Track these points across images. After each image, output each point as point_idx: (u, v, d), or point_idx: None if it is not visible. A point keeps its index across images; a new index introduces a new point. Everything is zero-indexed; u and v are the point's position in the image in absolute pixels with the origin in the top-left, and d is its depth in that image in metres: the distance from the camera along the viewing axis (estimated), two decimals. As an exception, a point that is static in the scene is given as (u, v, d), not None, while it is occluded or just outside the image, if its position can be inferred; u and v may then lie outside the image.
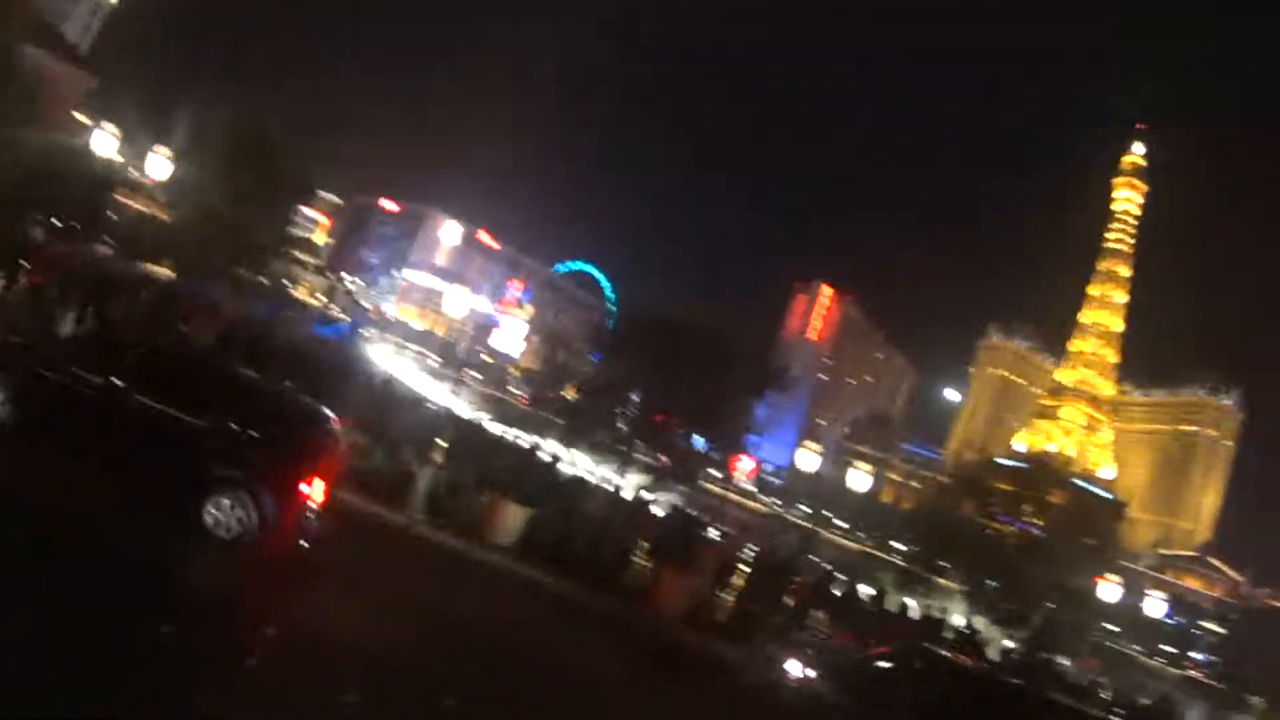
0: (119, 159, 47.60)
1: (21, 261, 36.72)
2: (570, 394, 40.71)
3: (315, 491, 19.80)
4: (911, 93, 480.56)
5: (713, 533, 41.09)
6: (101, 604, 14.00)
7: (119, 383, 19.52)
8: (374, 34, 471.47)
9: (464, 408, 48.46)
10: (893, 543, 78.20)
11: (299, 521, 19.78)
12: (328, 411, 22.24)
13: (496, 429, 44.44)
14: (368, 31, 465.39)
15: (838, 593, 40.03)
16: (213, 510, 18.91)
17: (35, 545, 15.20)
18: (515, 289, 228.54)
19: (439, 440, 36.70)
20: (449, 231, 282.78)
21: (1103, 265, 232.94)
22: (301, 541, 20.04)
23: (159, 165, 39.44)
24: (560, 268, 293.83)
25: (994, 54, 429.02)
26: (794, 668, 23.83)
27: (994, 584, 40.75)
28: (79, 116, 54.78)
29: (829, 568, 42.33)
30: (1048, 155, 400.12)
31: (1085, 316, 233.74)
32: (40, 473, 18.77)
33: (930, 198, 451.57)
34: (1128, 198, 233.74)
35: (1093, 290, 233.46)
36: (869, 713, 22.18)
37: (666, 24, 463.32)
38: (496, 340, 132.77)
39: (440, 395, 47.35)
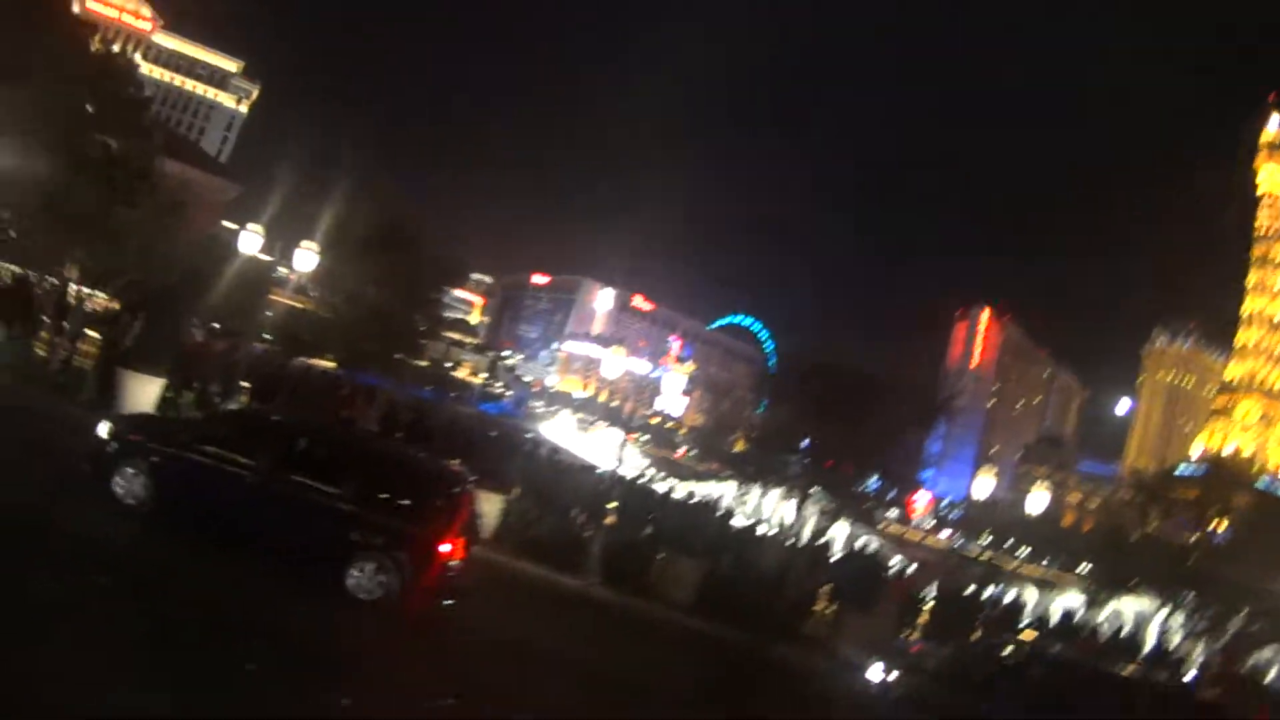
0: (266, 258, 48.30)
1: (184, 363, 37.57)
2: (740, 445, 40.32)
3: (454, 551, 20.38)
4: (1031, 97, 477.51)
5: (893, 569, 40.46)
6: (275, 678, 14.21)
7: (263, 461, 20.38)
8: (505, 112, 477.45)
9: (632, 469, 48.32)
10: (1076, 564, 76.83)
11: (440, 580, 20.28)
12: (462, 472, 23.04)
13: (665, 486, 44.23)
14: (500, 110, 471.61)
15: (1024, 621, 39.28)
16: (355, 574, 19.52)
17: (201, 621, 15.70)
18: (675, 346, 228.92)
19: (609, 503, 36.67)
20: (603, 299, 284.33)
21: (1257, 251, 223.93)
22: (445, 600, 20.60)
23: (305, 259, 39.91)
24: (717, 323, 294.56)
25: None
26: None
27: (1185, 595, 39.62)
28: (226, 224, 55.76)
29: (1013, 597, 41.46)
30: (1174, 140, 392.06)
31: (1247, 307, 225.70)
32: (192, 551, 19.55)
33: (1068, 209, 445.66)
34: (1272, 175, 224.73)
35: (1251, 279, 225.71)
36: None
37: (792, 69, 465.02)
38: (660, 401, 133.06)
39: (608, 459, 47.32)
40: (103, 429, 22.18)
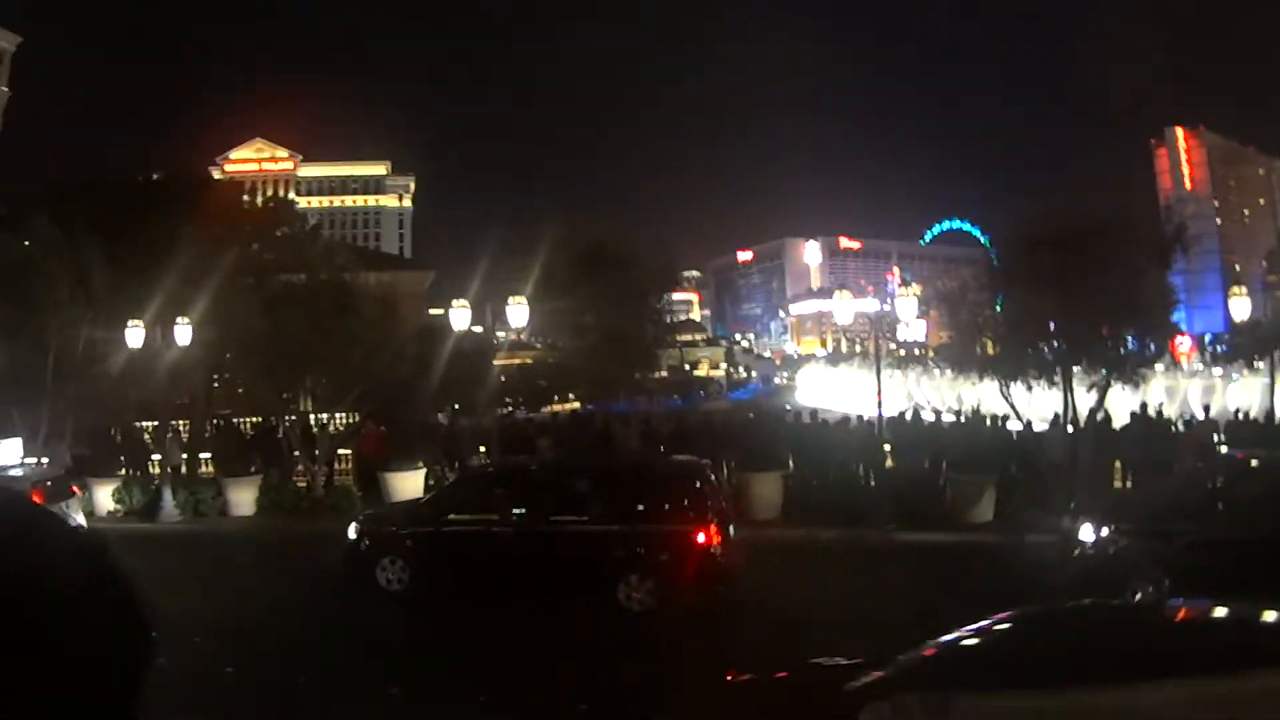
0: (478, 329, 49.17)
1: (441, 447, 38.58)
2: (990, 348, 39.77)
3: (710, 539, 21.03)
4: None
5: (1181, 423, 39.41)
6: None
7: (505, 510, 22.09)
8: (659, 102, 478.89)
9: (896, 407, 47.93)
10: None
11: (706, 572, 20.95)
12: (696, 463, 24.31)
13: (930, 415, 43.88)
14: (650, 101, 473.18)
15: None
16: (624, 590, 20.69)
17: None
18: (895, 273, 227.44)
19: (883, 446, 36.53)
20: (811, 253, 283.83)
21: None
22: (719, 588, 21.34)
23: (518, 314, 40.37)
24: (928, 236, 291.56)
25: None
26: None
27: None
28: (432, 311, 56.80)
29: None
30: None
31: None
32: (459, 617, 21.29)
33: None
34: None
35: None
36: None
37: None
38: (901, 332, 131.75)
39: (869, 404, 47.08)
40: (352, 530, 23.10)
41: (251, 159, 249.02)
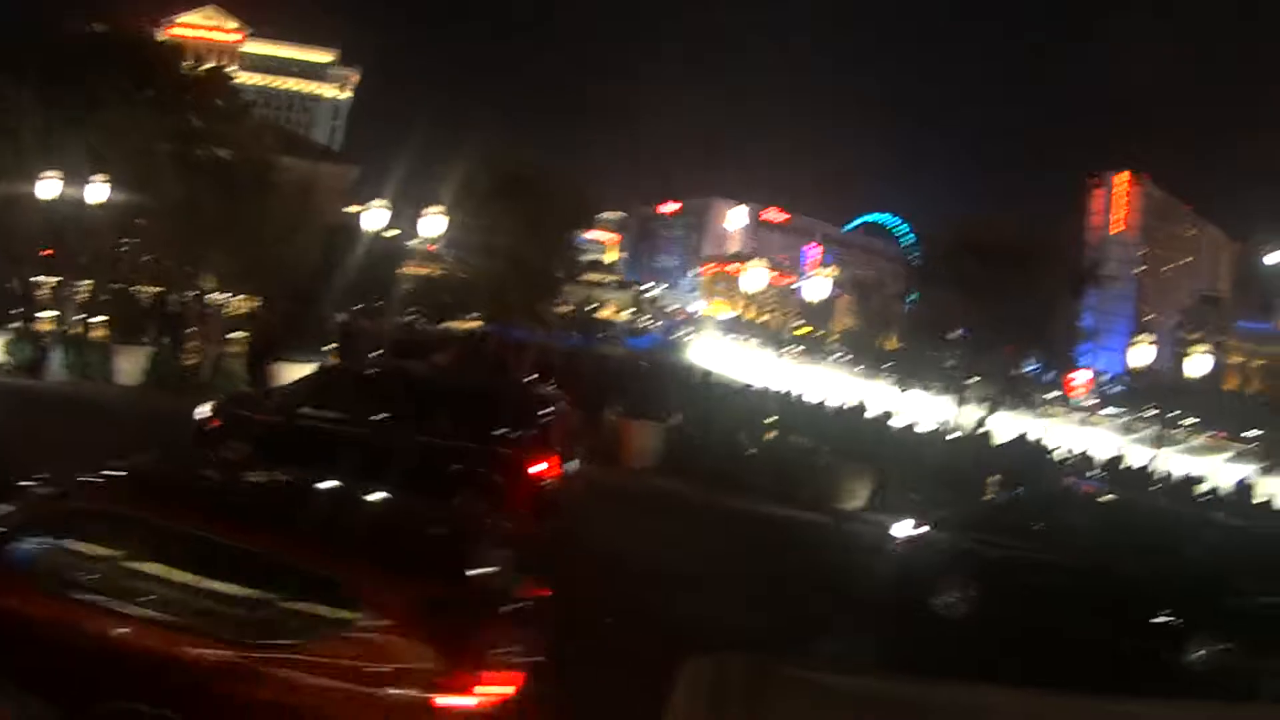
0: (394, 232, 48.92)
1: (338, 344, 38.42)
2: (892, 344, 40.19)
3: (547, 470, 21.44)
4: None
5: (1057, 451, 40.05)
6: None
7: (358, 414, 22.13)
8: (615, 45, 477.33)
9: (787, 382, 48.28)
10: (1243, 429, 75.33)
11: (535, 499, 21.18)
12: (550, 395, 24.96)
13: (819, 397, 44.23)
14: (608, 43, 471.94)
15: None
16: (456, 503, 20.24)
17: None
18: (814, 253, 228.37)
19: (767, 419, 36.88)
20: (735, 216, 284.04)
21: None
22: (547, 519, 21.12)
23: (432, 225, 40.26)
24: (853, 224, 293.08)
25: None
26: None
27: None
28: (352, 208, 56.56)
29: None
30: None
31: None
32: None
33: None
34: None
35: None
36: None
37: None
38: (808, 311, 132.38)
39: (763, 377, 47.26)
40: (205, 409, 23.14)
41: (200, 24, 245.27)
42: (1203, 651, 18.08)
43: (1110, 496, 25.24)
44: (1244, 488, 38.13)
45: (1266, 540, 23.20)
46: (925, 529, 22.46)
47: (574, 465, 23.36)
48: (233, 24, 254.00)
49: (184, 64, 48.03)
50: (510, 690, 9.66)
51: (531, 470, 21.22)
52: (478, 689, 9.38)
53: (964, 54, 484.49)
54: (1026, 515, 22.83)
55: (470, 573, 10.68)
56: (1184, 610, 18.88)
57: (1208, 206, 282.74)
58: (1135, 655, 18.10)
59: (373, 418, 21.93)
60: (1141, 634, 18.59)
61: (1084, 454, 39.76)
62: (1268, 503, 36.51)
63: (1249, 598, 19.04)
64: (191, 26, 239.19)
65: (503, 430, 21.83)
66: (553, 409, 23.30)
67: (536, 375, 36.66)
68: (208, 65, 53.81)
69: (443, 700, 9.26)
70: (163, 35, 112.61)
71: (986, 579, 20.57)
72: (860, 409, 39.69)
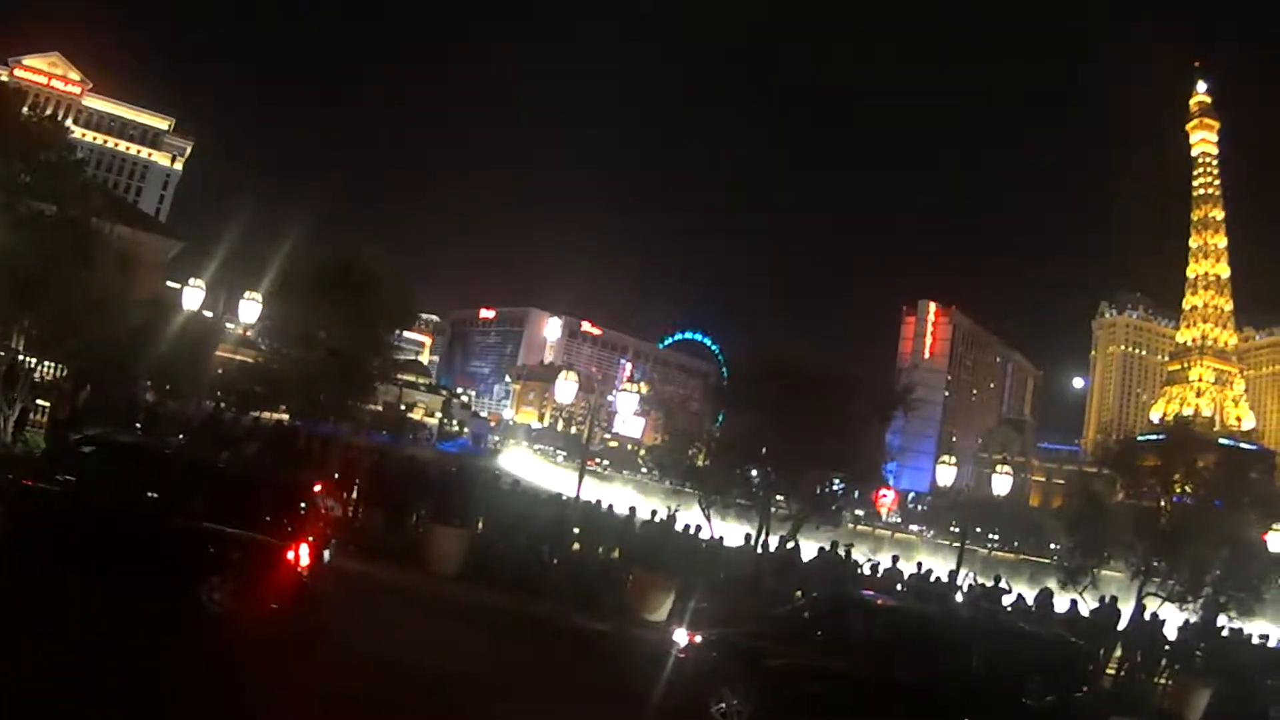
0: (209, 314, 48.12)
1: (137, 425, 37.53)
2: (700, 459, 40.19)
3: (302, 556, 21.20)
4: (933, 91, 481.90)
5: (864, 566, 40.45)
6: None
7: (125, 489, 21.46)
8: (437, 155, 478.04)
9: (594, 494, 48.23)
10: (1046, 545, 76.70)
11: (288, 588, 21.10)
12: (307, 484, 24.24)
13: (627, 509, 44.25)
14: (430, 151, 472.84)
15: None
16: (205, 586, 20.55)
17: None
18: (626, 368, 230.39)
19: (573, 530, 36.87)
20: (551, 328, 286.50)
21: (1197, 214, 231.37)
22: (301, 609, 21.38)
23: (249, 310, 39.87)
24: (666, 341, 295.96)
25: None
26: None
27: (1159, 563, 39.42)
28: (170, 283, 55.65)
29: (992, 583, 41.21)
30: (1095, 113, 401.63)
31: (1192, 270, 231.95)
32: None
33: (998, 192, 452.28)
34: (1204, 139, 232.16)
35: (1193, 242, 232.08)
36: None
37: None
38: (617, 423, 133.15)
39: (569, 486, 47.18)
40: None
41: (44, 72, 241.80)
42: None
43: (890, 604, 25.87)
44: (1046, 597, 38.87)
45: (1050, 646, 24.85)
46: (702, 637, 22.52)
47: (328, 554, 23.04)
48: (76, 75, 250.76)
49: (23, 110, 46.98)
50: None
51: (288, 558, 21.05)
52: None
53: (803, 184, 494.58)
54: (809, 624, 23.29)
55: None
56: (962, 711, 20.06)
57: (1018, 338, 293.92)
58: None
59: (124, 489, 21.40)
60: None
61: (892, 567, 40.11)
62: (1067, 611, 37.37)
63: (1035, 698, 19.72)
64: (36, 72, 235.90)
65: (258, 515, 21.50)
66: (304, 497, 23.05)
67: (340, 474, 36.24)
68: (46, 114, 52.73)
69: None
70: (5, 75, 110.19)
71: (766, 685, 20.90)
72: (670, 522, 39.69)
